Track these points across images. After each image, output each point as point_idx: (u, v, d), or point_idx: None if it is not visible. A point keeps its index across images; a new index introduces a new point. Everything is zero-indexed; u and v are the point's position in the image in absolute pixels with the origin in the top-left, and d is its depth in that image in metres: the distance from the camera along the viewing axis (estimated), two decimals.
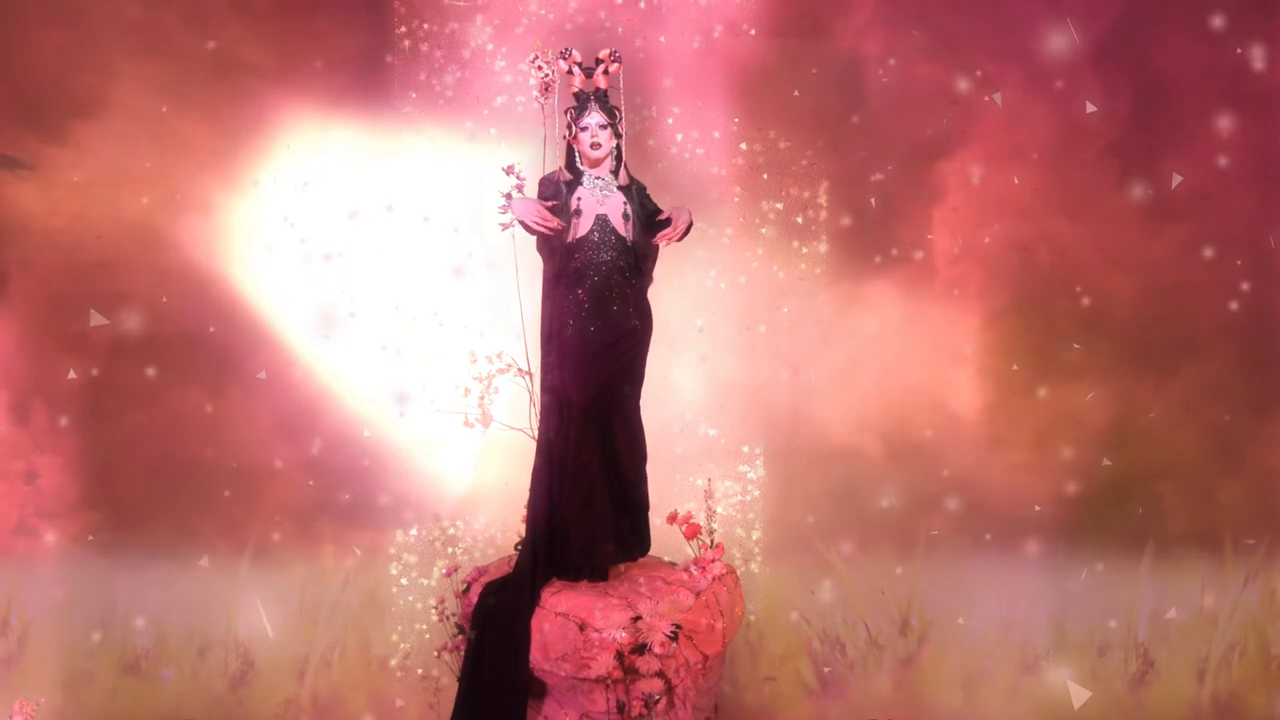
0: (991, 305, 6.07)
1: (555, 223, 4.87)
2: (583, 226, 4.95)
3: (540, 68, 4.97)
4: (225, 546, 5.99)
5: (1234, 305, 6.04)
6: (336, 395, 5.98)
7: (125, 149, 5.84)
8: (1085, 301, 6.05)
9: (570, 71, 5.00)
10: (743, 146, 5.94)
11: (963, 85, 5.97)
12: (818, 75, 5.94)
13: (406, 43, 5.87)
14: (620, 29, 5.84)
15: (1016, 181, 6.00)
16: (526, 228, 4.90)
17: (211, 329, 5.91)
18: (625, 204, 5.00)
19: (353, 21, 5.90)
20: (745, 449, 6.05)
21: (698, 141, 5.93)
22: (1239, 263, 6.01)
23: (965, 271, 6.05)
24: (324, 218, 5.93)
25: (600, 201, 4.98)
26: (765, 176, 5.98)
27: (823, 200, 5.99)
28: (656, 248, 5.07)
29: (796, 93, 5.94)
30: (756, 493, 6.05)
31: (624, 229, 4.98)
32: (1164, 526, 6.07)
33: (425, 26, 5.86)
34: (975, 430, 6.08)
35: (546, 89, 5.02)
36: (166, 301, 5.90)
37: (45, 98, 5.82)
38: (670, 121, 5.89)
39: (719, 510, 5.48)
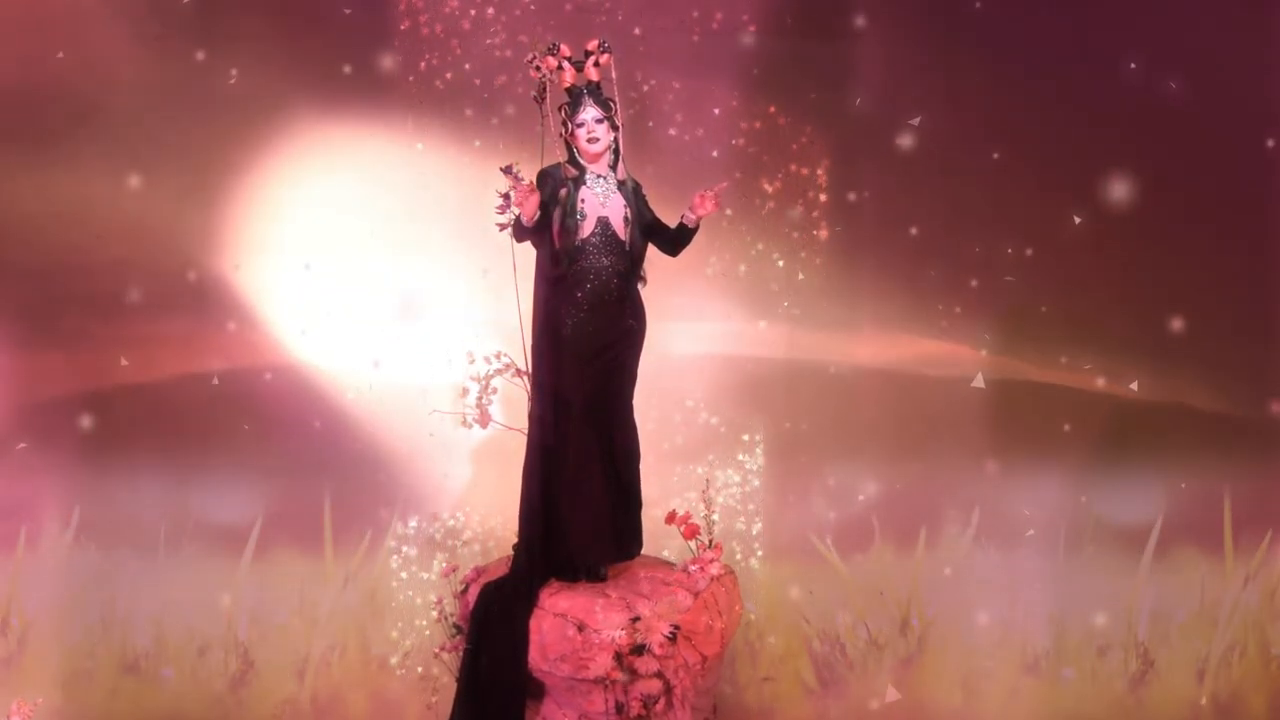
0: (998, 298, 6.06)
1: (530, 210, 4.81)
2: (585, 229, 4.93)
3: (538, 69, 4.94)
4: (224, 545, 5.99)
5: None
6: (334, 394, 5.99)
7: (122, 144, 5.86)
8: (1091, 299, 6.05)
9: (560, 67, 4.92)
10: (741, 125, 5.93)
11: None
12: (818, 62, 5.93)
13: (405, 23, 5.86)
14: (620, 15, 5.83)
15: None
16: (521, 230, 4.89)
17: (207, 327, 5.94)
18: (625, 206, 4.99)
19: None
20: (745, 437, 6.04)
21: (697, 121, 5.92)
22: None
23: (972, 258, 6.04)
24: (322, 213, 5.93)
25: (603, 204, 4.96)
26: (766, 159, 5.97)
27: (823, 181, 5.97)
28: (647, 246, 5.05)
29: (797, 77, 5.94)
30: (756, 483, 6.05)
31: (623, 233, 4.97)
32: (1166, 525, 6.07)
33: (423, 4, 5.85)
34: (978, 426, 6.07)
35: (543, 90, 4.98)
36: (164, 301, 5.91)
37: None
38: (670, 97, 5.87)
39: (719, 500, 5.47)
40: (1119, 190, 5.95)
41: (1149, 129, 5.90)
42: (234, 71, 5.82)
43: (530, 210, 4.80)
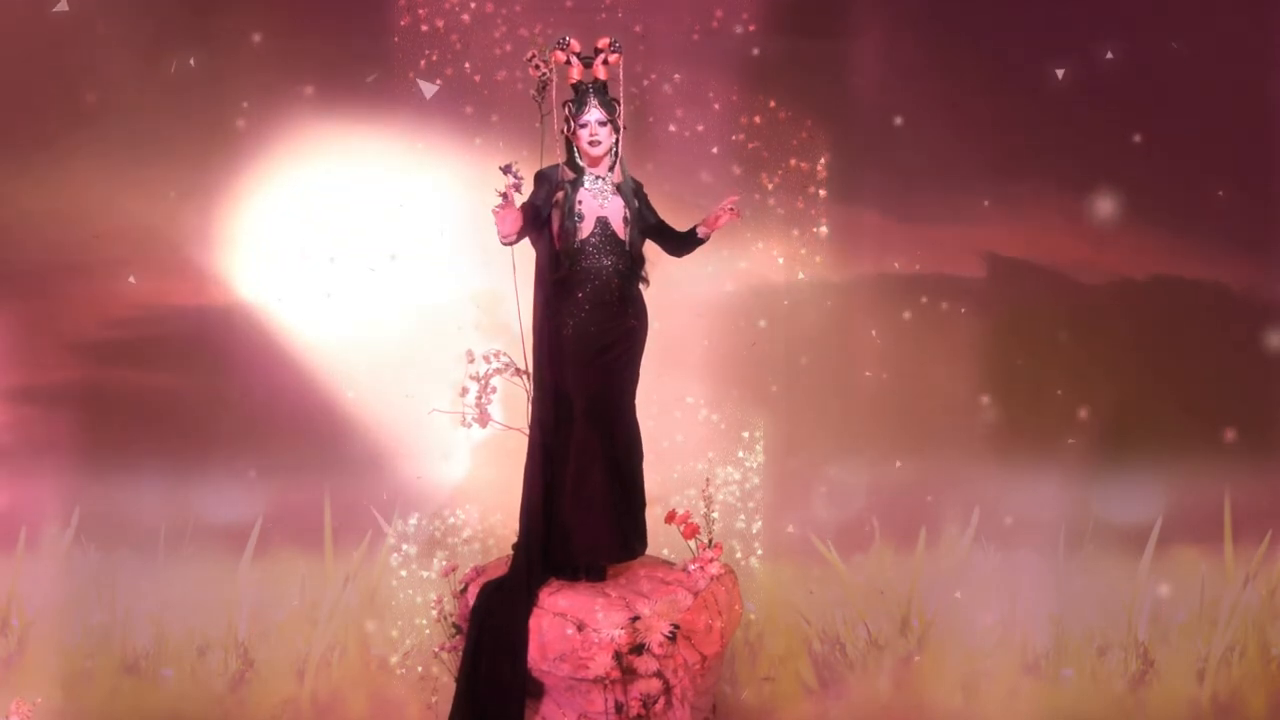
0: (997, 297, 6.05)
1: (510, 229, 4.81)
2: (584, 230, 4.92)
3: (537, 68, 4.92)
4: (224, 543, 5.99)
5: None
6: (334, 393, 5.99)
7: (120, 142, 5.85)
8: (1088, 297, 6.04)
9: (568, 62, 4.89)
10: (741, 119, 5.92)
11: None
12: (817, 56, 5.93)
13: (405, 19, 5.85)
14: (620, 13, 5.83)
15: None
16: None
17: (207, 327, 5.94)
18: (624, 207, 4.98)
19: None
20: (745, 434, 6.04)
21: (697, 117, 5.91)
22: None
23: (973, 250, 6.03)
24: (321, 211, 5.93)
25: (601, 204, 4.95)
26: (765, 154, 5.96)
27: (823, 175, 5.97)
28: (644, 243, 5.05)
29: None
30: (756, 480, 6.05)
31: (623, 232, 4.96)
32: (1166, 525, 6.06)
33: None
34: (979, 425, 6.06)
35: (543, 89, 4.97)
36: (161, 298, 5.91)
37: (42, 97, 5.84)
38: (667, 89, 5.86)
39: (719, 498, 5.46)
40: (1122, 173, 5.95)
41: (1149, 97, 5.91)
42: (239, 32, 5.83)
43: (507, 229, 4.78)
